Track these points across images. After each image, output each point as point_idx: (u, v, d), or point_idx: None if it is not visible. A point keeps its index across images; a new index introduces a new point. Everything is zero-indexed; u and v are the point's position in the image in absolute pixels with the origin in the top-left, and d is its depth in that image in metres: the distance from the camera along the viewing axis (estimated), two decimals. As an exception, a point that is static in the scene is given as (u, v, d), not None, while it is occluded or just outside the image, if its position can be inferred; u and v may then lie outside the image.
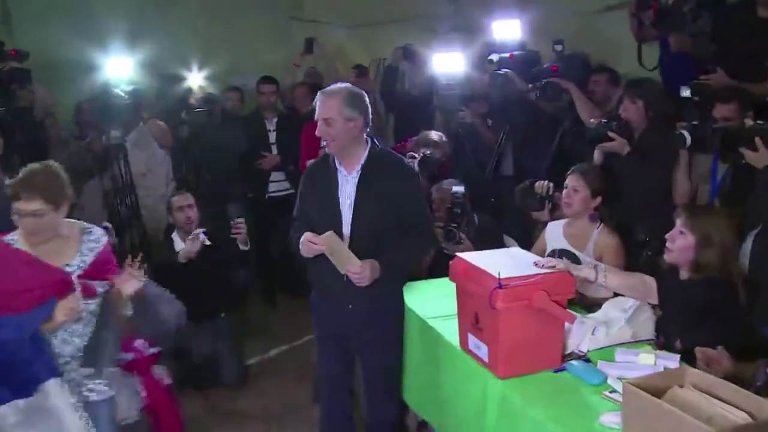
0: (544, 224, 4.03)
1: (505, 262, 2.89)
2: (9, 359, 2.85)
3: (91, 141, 5.93)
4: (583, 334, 3.02)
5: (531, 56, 5.26)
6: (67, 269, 2.99)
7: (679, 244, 2.91)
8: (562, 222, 3.90)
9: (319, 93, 3.31)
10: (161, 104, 6.46)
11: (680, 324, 2.91)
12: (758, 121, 3.40)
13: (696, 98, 3.80)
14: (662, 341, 3.01)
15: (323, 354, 3.57)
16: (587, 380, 2.73)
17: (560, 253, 3.64)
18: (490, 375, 2.87)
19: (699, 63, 4.25)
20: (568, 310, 2.89)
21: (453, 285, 3.12)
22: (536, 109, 5.09)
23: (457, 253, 3.17)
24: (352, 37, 7.99)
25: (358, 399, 3.69)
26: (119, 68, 5.77)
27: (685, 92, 3.84)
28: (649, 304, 3.10)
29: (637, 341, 3.04)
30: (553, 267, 2.86)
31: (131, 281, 3.06)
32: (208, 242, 4.61)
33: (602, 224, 3.75)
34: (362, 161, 3.30)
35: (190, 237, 4.63)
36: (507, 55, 5.22)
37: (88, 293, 3.00)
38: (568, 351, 2.98)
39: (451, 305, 3.20)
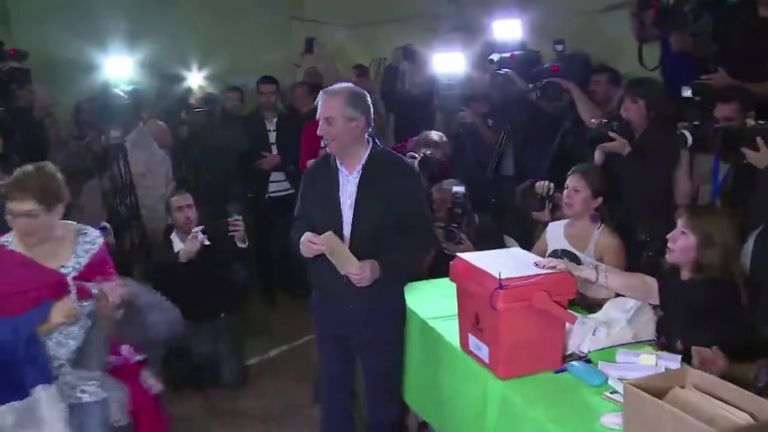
0: (545, 224, 4.03)
1: (506, 263, 2.89)
2: (4, 361, 2.84)
3: (90, 141, 5.93)
4: (583, 334, 3.01)
5: (532, 56, 5.25)
6: (62, 271, 2.98)
7: (681, 244, 2.90)
8: (562, 222, 3.89)
9: (321, 92, 3.31)
10: (161, 104, 6.46)
11: (681, 324, 2.91)
12: (760, 121, 3.40)
13: (697, 98, 3.80)
14: (663, 342, 3.01)
15: (323, 354, 3.56)
16: (588, 381, 2.73)
17: (561, 254, 3.63)
18: (490, 375, 2.86)
19: (700, 63, 4.24)
20: (568, 310, 2.89)
21: (453, 285, 3.11)
22: (537, 109, 5.08)
23: (458, 254, 3.17)
24: (352, 36, 7.99)
25: (358, 399, 3.69)
26: (119, 68, 5.76)
27: (687, 92, 3.84)
28: (650, 304, 3.09)
29: (638, 342, 3.04)
30: (554, 267, 2.85)
31: (116, 290, 3.02)
32: (207, 242, 4.60)
33: (603, 224, 3.74)
34: (363, 161, 3.29)
35: (189, 236, 4.62)
36: (508, 54, 5.21)
37: (84, 295, 2.98)
38: (569, 352, 2.98)
39: (451, 306, 3.19)
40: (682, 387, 2.29)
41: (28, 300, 2.84)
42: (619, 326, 3.06)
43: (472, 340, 2.98)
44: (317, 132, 3.28)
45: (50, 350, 2.99)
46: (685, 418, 2.06)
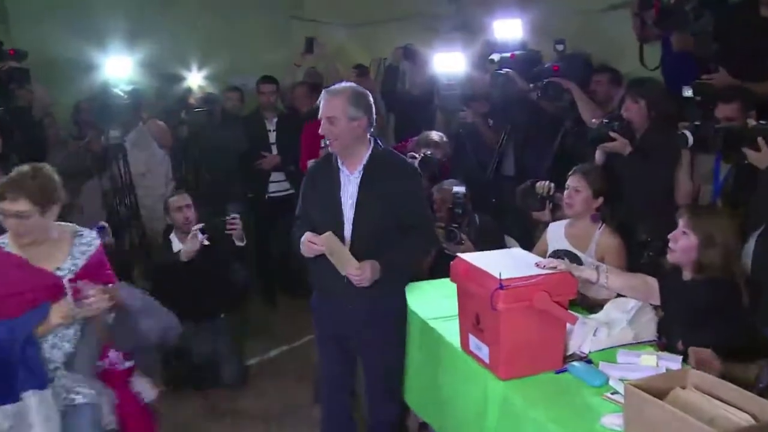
0: (546, 225, 4.02)
1: (507, 263, 2.88)
2: (1, 361, 2.83)
3: (90, 141, 5.92)
4: (584, 335, 3.00)
5: (532, 56, 5.25)
6: (58, 273, 2.96)
7: (682, 244, 2.90)
8: (563, 222, 3.89)
9: (323, 91, 3.31)
10: (161, 104, 6.46)
11: (682, 325, 2.90)
12: (761, 121, 3.39)
13: (698, 98, 3.79)
14: (664, 342, 3.00)
15: (324, 354, 3.56)
16: (589, 381, 2.72)
17: (562, 254, 3.62)
18: (491, 376, 2.85)
19: (701, 62, 4.23)
20: (569, 311, 2.88)
21: (454, 286, 3.10)
22: (537, 109, 5.07)
23: (458, 254, 3.16)
24: (352, 36, 7.98)
25: (359, 399, 3.68)
26: (118, 68, 5.75)
27: (688, 92, 3.83)
28: (651, 305, 3.08)
29: (639, 342, 3.03)
30: (555, 268, 2.84)
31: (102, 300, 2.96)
32: (206, 242, 4.59)
33: (604, 225, 3.73)
34: (365, 161, 3.29)
35: (189, 236, 4.61)
36: (508, 54, 5.20)
37: (79, 297, 2.96)
38: (570, 352, 2.97)
39: (452, 306, 3.18)
40: (683, 388, 2.28)
41: (25, 301, 2.83)
42: (620, 327, 3.05)
43: (473, 341, 2.97)
44: (319, 131, 3.28)
45: (45, 353, 2.97)
46: (686, 418, 2.05)
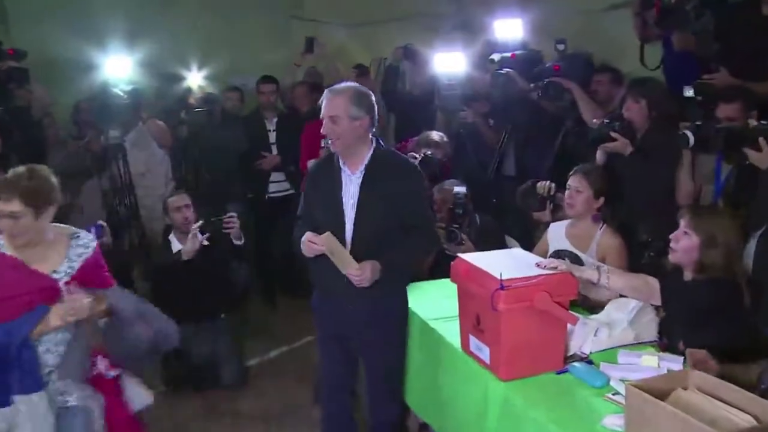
0: (546, 225, 4.02)
1: (507, 263, 2.87)
2: None
3: (89, 141, 5.91)
4: (585, 335, 3.00)
5: (533, 56, 5.24)
6: (55, 276, 2.93)
7: (683, 244, 2.89)
8: (564, 223, 3.88)
9: (326, 91, 3.30)
10: (160, 104, 6.45)
11: (684, 325, 2.90)
12: (762, 121, 3.39)
13: (699, 98, 3.79)
14: (665, 343, 3.00)
15: (324, 355, 3.55)
16: (590, 382, 2.71)
17: (563, 255, 3.62)
18: (491, 377, 2.85)
19: (702, 62, 4.23)
20: (570, 311, 2.87)
21: (454, 286, 3.10)
22: (538, 108, 5.06)
23: (459, 254, 3.16)
24: (352, 36, 7.98)
25: (359, 400, 3.67)
26: (118, 67, 5.74)
27: (689, 92, 3.82)
28: (652, 305, 3.08)
29: (640, 343, 3.03)
30: (555, 268, 2.84)
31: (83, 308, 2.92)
32: (206, 242, 4.58)
33: (605, 225, 3.73)
34: (366, 161, 3.28)
35: (189, 235, 4.60)
36: (509, 54, 5.20)
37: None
38: (571, 353, 2.97)
39: (452, 306, 3.18)
40: (685, 388, 2.28)
41: (21, 304, 2.81)
42: (620, 327, 3.05)
43: (473, 341, 2.97)
44: (321, 130, 3.27)
45: (38, 358, 2.93)
46: (687, 419, 2.05)
